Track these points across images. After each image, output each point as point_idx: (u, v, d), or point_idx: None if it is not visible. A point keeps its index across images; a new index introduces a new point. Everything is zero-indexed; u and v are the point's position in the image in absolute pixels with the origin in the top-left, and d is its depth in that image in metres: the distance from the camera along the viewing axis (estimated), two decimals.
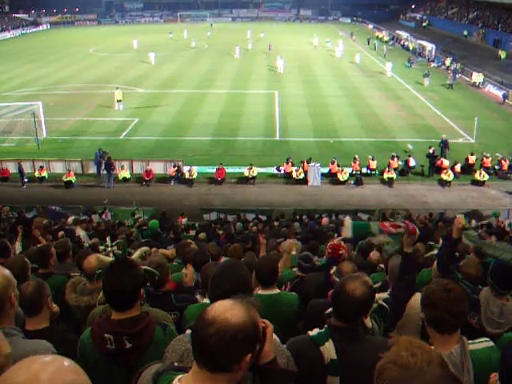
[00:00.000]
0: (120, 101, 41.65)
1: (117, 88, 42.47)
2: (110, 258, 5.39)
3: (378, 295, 4.36)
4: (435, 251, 8.46)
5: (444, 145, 31.10)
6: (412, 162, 30.04)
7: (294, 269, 8.04)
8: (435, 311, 3.52)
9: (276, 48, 67.70)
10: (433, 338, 3.50)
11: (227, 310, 2.38)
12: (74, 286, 5.98)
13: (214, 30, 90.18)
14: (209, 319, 2.35)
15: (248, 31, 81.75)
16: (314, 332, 3.70)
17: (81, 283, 5.91)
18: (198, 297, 6.09)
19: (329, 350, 3.53)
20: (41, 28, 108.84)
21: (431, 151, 29.89)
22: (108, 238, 7.77)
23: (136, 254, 5.08)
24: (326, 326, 3.70)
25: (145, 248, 9.25)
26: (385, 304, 4.52)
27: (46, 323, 4.31)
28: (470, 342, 3.68)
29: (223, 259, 7.76)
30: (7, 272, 3.73)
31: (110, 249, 8.10)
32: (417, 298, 4.48)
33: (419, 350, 2.27)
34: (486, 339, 4.01)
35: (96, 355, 3.72)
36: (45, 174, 29.90)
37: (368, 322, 4.03)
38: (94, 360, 3.71)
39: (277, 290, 5.49)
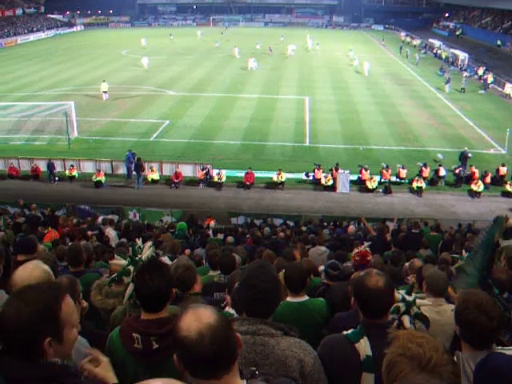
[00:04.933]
0: (106, 92, 45.56)
1: (103, 81, 46.74)
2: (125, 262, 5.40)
3: (418, 301, 4.34)
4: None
5: (463, 157, 30.70)
6: (442, 172, 29.75)
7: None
8: (470, 330, 3.50)
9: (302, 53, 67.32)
10: (465, 349, 3.46)
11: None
12: (99, 288, 5.99)
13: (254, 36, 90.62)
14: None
15: (308, 37, 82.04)
16: (349, 331, 3.72)
17: (106, 285, 5.91)
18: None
19: (364, 346, 3.55)
20: (75, 29, 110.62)
21: (458, 171, 29.81)
22: (139, 240, 7.77)
23: (147, 254, 5.05)
24: (359, 325, 3.70)
25: (151, 247, 9.32)
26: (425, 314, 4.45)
27: None
28: (499, 348, 3.67)
29: None
30: (47, 267, 3.83)
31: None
32: (452, 307, 4.41)
33: (423, 339, 2.31)
34: None
35: (124, 353, 3.76)
36: (75, 173, 30.23)
37: (407, 323, 4.04)
38: (122, 358, 3.75)
39: (306, 297, 5.48)
